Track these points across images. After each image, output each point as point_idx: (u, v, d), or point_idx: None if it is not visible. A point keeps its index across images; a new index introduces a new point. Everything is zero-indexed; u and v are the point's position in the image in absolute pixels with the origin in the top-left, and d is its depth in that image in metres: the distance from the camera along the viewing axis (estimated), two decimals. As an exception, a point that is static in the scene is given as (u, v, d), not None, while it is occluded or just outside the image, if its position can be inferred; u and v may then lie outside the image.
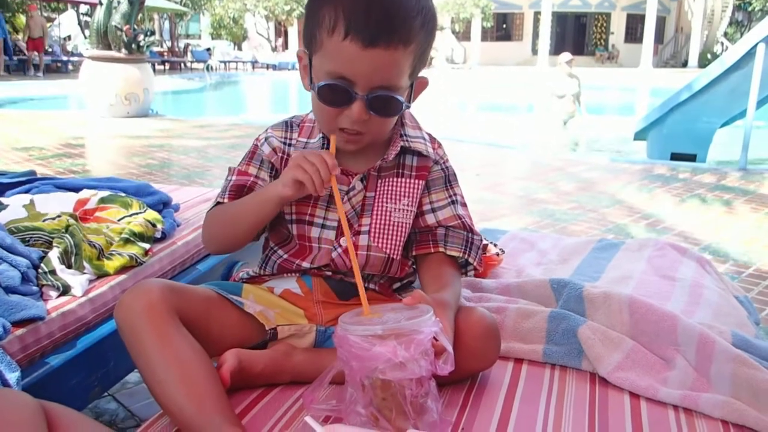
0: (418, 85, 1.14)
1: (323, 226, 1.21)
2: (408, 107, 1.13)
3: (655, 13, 31.01)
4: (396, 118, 1.17)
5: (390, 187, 1.23)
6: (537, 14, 34.09)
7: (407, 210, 1.24)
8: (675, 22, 35.92)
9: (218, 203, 1.22)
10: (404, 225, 1.24)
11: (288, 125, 1.25)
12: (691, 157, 6.52)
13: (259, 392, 1.11)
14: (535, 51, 33.96)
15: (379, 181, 1.23)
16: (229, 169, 1.26)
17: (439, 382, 0.97)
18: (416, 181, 1.25)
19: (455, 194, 1.28)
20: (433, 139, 1.29)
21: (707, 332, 1.21)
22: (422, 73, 1.14)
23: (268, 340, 1.19)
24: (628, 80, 22.19)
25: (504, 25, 37.78)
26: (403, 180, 1.24)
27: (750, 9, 31.50)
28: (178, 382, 0.97)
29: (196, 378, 0.98)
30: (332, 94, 1.06)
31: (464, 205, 1.30)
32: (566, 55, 9.17)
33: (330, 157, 1.06)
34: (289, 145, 1.23)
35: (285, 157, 1.23)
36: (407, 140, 1.23)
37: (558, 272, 1.74)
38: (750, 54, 5.80)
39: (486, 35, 35.88)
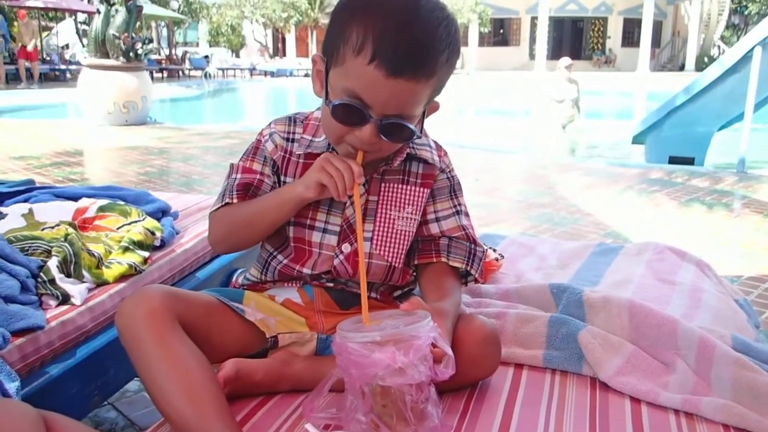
0: (429, 109, 1.13)
1: (325, 231, 1.20)
2: (419, 137, 1.12)
3: (652, 17, 31.11)
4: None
5: (394, 194, 1.22)
6: (534, 19, 34.18)
7: (411, 218, 1.23)
8: (672, 26, 36.03)
9: (226, 204, 1.20)
10: (407, 233, 1.23)
11: (292, 120, 1.24)
12: (689, 161, 6.53)
13: (259, 400, 1.11)
14: (532, 56, 34.03)
15: (383, 185, 1.22)
16: (231, 166, 1.24)
17: (439, 389, 0.97)
18: (421, 189, 1.24)
19: (460, 204, 1.28)
20: (439, 147, 1.28)
21: (707, 336, 1.21)
22: None
23: (268, 348, 1.19)
24: (626, 84, 22.23)
25: (501, 31, 37.87)
26: (408, 187, 1.23)
27: (746, 12, 31.60)
28: (178, 389, 0.96)
29: (197, 385, 0.97)
30: (346, 114, 1.04)
31: (467, 215, 1.29)
32: (566, 60, 9.18)
33: (356, 166, 1.06)
34: (292, 140, 1.22)
35: (287, 155, 1.21)
36: (413, 147, 1.22)
37: (557, 277, 1.74)
38: (747, 57, 5.81)
39: (483, 40, 35.97)
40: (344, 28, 1.01)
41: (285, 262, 1.23)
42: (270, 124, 1.25)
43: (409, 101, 1.03)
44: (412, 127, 1.05)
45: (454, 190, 1.28)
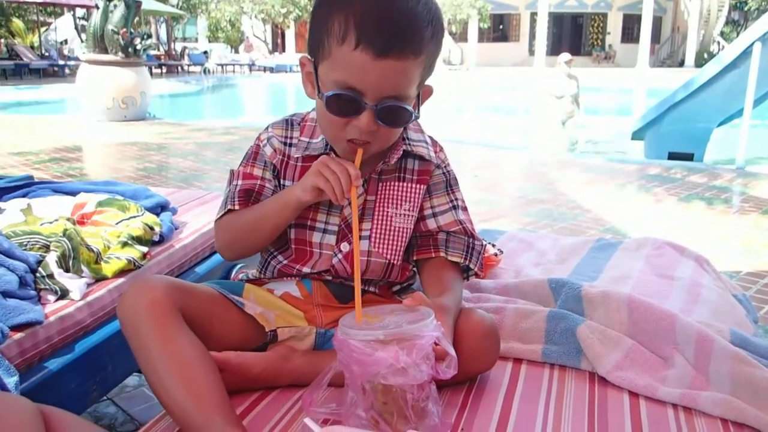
0: (423, 93, 1.13)
1: (325, 231, 1.20)
2: (417, 117, 1.11)
3: (652, 13, 31.07)
4: (403, 127, 1.17)
5: (391, 192, 1.22)
6: (534, 15, 34.16)
7: (408, 215, 1.23)
8: (671, 22, 35.99)
9: (229, 210, 1.19)
10: (405, 230, 1.23)
11: (289, 123, 1.24)
12: (689, 157, 6.53)
13: (258, 394, 1.11)
14: (531, 52, 34.01)
15: (380, 184, 1.22)
16: (231, 172, 1.24)
17: (438, 384, 0.97)
18: (418, 186, 1.24)
19: (456, 199, 1.28)
20: (434, 143, 1.28)
21: (706, 330, 1.21)
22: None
23: (268, 342, 1.19)
24: (625, 80, 22.22)
25: (501, 26, 37.83)
26: (405, 184, 1.23)
27: (746, 8, 31.57)
28: (179, 380, 0.96)
29: (197, 377, 0.97)
30: (340, 104, 1.04)
31: (465, 209, 1.29)
32: (565, 56, 9.17)
33: (353, 169, 1.05)
34: (290, 144, 1.22)
35: (285, 159, 1.21)
36: (409, 144, 1.22)
37: (556, 272, 1.74)
38: (746, 53, 5.81)
39: (483, 36, 35.93)
40: (326, 20, 1.01)
41: (285, 262, 1.23)
42: (267, 128, 1.24)
43: (401, 81, 1.02)
44: (408, 108, 1.05)
45: (450, 185, 1.28)
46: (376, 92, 1.01)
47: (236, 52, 30.94)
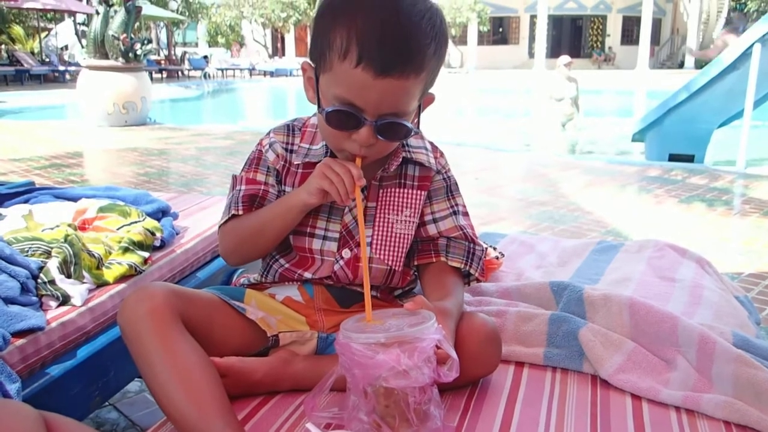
0: (425, 102, 1.12)
1: (325, 238, 1.20)
2: (417, 132, 1.11)
3: (651, 15, 31.10)
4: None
5: (392, 198, 1.22)
6: (533, 18, 34.22)
7: (409, 221, 1.23)
8: (671, 24, 36.05)
9: (233, 216, 1.19)
10: (406, 236, 1.23)
11: (290, 129, 1.24)
12: (689, 158, 6.52)
13: (260, 400, 1.11)
14: (531, 54, 34.05)
15: (381, 191, 1.22)
16: (234, 177, 1.24)
17: (440, 388, 0.96)
18: (418, 192, 1.24)
19: (457, 204, 1.28)
20: (435, 148, 1.28)
21: (708, 333, 1.21)
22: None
23: (269, 347, 1.19)
24: (625, 82, 22.22)
25: (500, 29, 37.89)
26: (405, 191, 1.23)
27: (746, 10, 31.60)
28: (180, 386, 0.96)
29: (198, 383, 0.97)
30: (340, 120, 1.04)
31: (466, 214, 1.29)
32: (565, 58, 9.18)
33: (355, 168, 1.05)
34: (291, 151, 1.22)
35: (287, 165, 1.22)
36: (409, 151, 1.22)
37: (558, 275, 1.73)
38: (746, 54, 5.81)
39: (482, 39, 36.00)
40: (327, 32, 1.01)
41: (287, 266, 1.23)
42: (269, 133, 1.25)
43: (402, 99, 1.02)
44: (408, 124, 1.05)
45: (450, 190, 1.28)
46: (376, 109, 1.01)
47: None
